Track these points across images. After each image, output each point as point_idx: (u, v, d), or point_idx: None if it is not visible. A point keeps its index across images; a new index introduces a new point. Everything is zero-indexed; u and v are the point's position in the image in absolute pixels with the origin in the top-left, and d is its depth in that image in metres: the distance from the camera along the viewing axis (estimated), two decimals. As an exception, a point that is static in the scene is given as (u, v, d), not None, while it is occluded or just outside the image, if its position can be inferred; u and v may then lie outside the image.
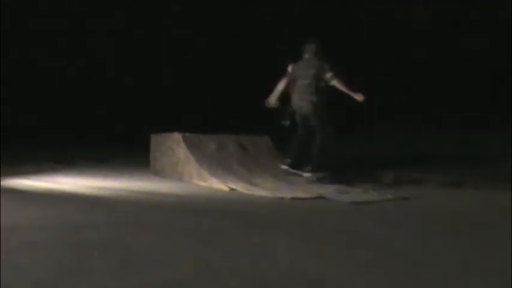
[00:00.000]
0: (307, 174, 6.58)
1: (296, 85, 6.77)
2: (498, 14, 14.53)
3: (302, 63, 6.82)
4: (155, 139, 7.79)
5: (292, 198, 5.30)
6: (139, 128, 11.95)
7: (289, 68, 6.90)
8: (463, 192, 6.20)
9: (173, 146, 7.23)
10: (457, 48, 15.70)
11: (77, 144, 13.16)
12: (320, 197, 5.41)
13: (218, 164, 6.79)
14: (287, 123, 6.90)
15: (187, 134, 7.28)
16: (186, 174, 6.88)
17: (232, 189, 5.91)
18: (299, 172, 6.65)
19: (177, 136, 7.22)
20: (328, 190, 5.87)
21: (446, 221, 4.13)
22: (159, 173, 7.49)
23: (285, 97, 6.99)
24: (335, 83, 6.62)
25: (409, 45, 16.19)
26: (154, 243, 3.11)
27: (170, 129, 7.58)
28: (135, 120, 15.29)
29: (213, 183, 6.24)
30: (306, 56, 6.85)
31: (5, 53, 14.37)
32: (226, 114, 13.88)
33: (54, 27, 15.85)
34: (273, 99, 6.91)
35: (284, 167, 6.73)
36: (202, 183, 6.43)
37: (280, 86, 6.91)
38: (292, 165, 6.70)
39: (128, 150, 11.05)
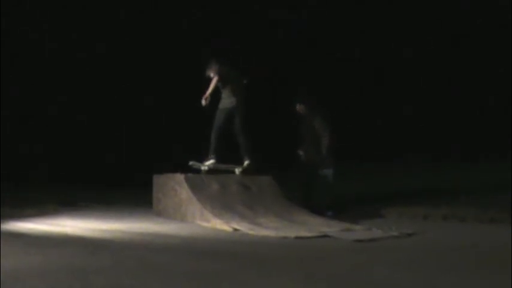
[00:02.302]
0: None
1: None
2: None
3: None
4: (158, 180, 7.79)
5: (296, 238, 5.27)
6: (140, 169, 11.97)
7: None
8: (466, 227, 6.18)
9: (176, 187, 7.23)
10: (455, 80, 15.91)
11: (79, 186, 13.15)
12: (324, 236, 5.39)
13: (221, 204, 6.77)
14: (301, 153, 8.02)
15: (190, 175, 7.29)
16: (189, 215, 6.86)
17: (235, 230, 5.88)
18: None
19: (179, 177, 7.22)
20: (332, 228, 5.84)
21: (451, 259, 4.11)
22: (161, 214, 7.47)
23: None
24: None
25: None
26: (160, 287, 3.09)
27: (172, 169, 7.64)
28: (136, 161, 15.30)
29: (216, 224, 6.22)
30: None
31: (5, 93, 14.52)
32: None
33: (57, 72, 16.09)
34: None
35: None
36: (205, 224, 6.40)
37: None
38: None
39: (130, 191, 11.03)
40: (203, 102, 7.58)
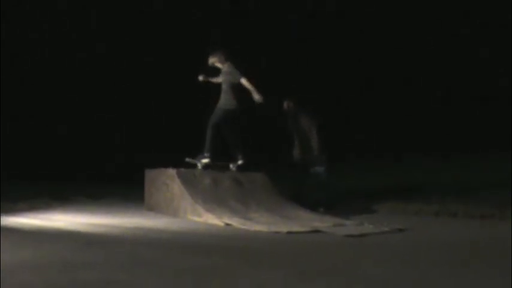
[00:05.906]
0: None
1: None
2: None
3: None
4: (149, 174, 7.79)
5: (288, 233, 5.29)
6: (132, 164, 11.95)
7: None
8: (458, 222, 6.21)
9: (167, 182, 7.23)
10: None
11: (71, 180, 13.11)
12: (316, 231, 5.40)
13: (213, 199, 6.77)
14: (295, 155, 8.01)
15: (182, 169, 7.29)
16: (180, 209, 6.86)
17: (227, 225, 5.89)
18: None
19: (171, 171, 7.22)
20: (324, 224, 5.86)
21: (442, 254, 4.13)
22: (153, 209, 7.46)
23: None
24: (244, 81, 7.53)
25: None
26: (152, 282, 3.09)
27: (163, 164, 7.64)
28: (128, 156, 15.28)
29: (208, 219, 6.22)
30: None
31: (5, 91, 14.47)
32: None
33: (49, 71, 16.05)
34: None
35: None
36: (197, 219, 6.41)
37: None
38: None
39: (121, 186, 11.01)
40: (200, 78, 7.54)
